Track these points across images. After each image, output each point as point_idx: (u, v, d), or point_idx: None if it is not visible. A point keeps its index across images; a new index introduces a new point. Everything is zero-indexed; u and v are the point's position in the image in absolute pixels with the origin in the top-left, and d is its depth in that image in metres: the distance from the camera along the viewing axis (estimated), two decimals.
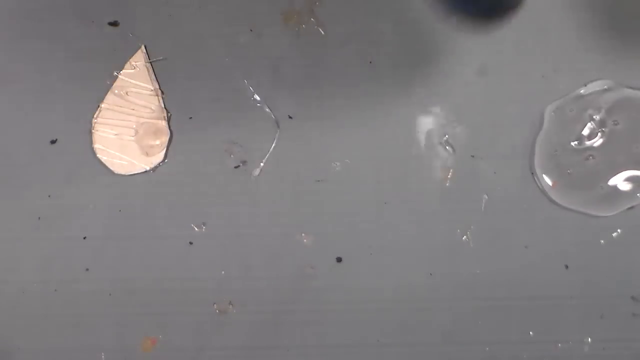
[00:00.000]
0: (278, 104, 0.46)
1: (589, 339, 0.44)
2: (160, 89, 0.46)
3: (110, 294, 0.45)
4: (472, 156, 0.45)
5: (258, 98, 0.46)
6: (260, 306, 0.44)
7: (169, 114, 0.46)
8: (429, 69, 0.46)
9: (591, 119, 0.45)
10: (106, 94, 0.46)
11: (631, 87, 0.45)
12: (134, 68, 0.46)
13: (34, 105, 0.46)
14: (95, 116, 0.46)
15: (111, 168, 0.45)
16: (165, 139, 0.46)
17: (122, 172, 0.45)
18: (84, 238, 0.45)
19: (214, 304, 0.44)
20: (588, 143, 0.45)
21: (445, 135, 0.45)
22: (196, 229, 0.45)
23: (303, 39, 0.46)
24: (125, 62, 0.46)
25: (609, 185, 0.44)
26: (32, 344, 0.44)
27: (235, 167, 0.45)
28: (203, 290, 0.45)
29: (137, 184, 0.45)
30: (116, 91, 0.46)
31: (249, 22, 0.46)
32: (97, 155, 0.45)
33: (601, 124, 0.45)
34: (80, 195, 0.45)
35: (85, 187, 0.45)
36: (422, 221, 0.45)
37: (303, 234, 0.45)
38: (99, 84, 0.46)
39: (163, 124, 0.46)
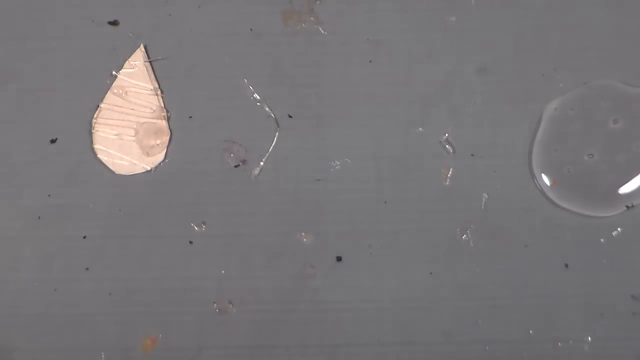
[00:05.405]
0: (278, 103, 0.46)
1: (589, 338, 0.44)
2: (159, 88, 0.46)
3: (110, 294, 0.45)
4: (472, 155, 0.45)
5: (258, 97, 0.46)
6: (260, 306, 0.44)
7: (169, 114, 0.46)
8: (429, 68, 0.46)
9: (591, 118, 0.45)
10: (106, 93, 0.46)
11: (631, 86, 0.45)
12: (133, 67, 0.46)
13: (33, 105, 0.46)
14: (95, 116, 0.46)
15: (112, 168, 0.45)
16: (165, 138, 0.46)
17: (123, 172, 0.45)
18: (84, 238, 0.45)
19: (214, 303, 0.44)
20: (588, 142, 0.45)
21: (445, 134, 0.45)
22: (196, 228, 0.45)
23: (303, 39, 0.46)
24: (125, 62, 0.46)
25: (608, 184, 0.44)
26: (32, 344, 0.44)
27: (235, 167, 0.45)
28: (203, 290, 0.45)
29: (137, 184, 0.45)
30: (115, 90, 0.46)
31: (249, 22, 0.46)
32: (98, 155, 0.45)
33: (601, 123, 0.45)
34: (80, 195, 0.45)
35: (85, 187, 0.45)
36: (422, 221, 0.45)
37: (303, 234, 0.45)
38: (99, 83, 0.46)
39: (163, 123, 0.46)
